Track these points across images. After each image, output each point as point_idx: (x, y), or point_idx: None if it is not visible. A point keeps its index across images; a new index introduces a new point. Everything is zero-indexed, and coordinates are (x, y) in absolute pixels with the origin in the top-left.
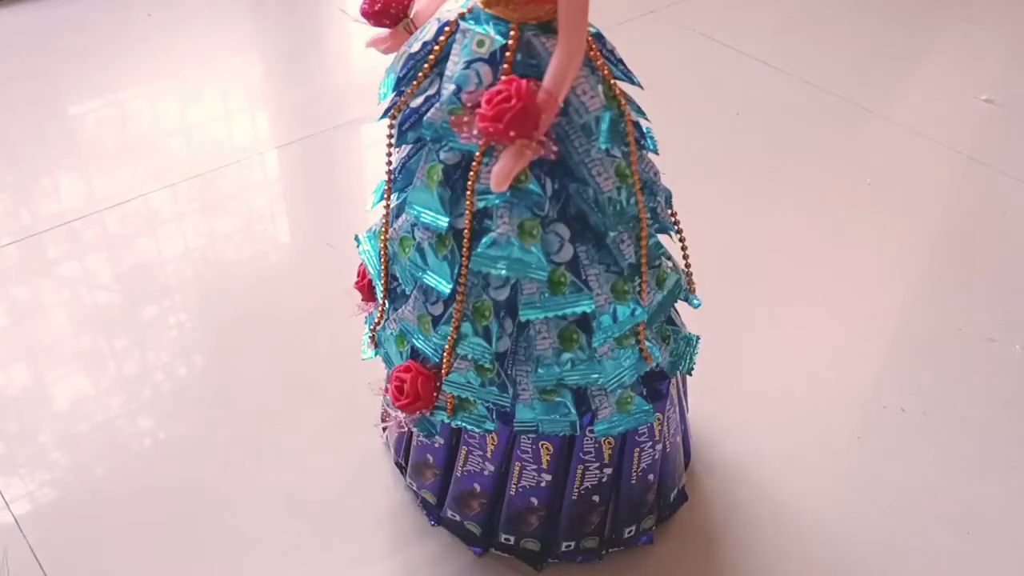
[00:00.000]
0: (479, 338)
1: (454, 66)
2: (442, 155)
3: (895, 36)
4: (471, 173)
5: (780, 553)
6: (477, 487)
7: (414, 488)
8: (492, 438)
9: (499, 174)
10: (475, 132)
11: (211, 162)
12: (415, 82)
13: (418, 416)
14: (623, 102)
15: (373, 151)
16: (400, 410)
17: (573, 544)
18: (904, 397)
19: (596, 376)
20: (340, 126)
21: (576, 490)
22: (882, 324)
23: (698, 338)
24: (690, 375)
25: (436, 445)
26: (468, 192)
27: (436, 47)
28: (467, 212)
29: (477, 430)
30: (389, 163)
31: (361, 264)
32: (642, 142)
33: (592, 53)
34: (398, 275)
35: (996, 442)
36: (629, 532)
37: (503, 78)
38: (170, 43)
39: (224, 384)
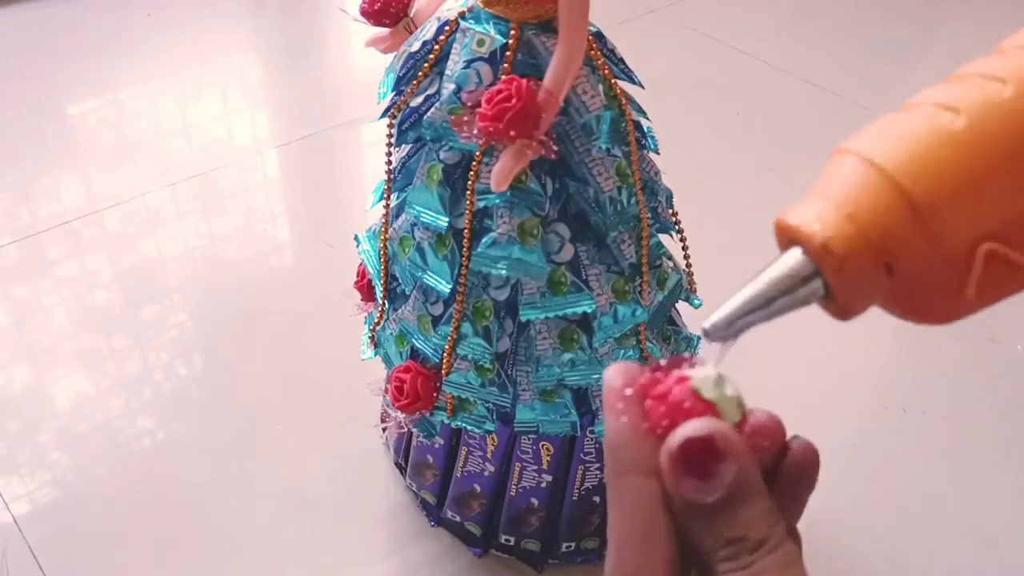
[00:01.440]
0: (479, 338)
1: (454, 65)
2: (442, 155)
3: (895, 36)
4: (471, 173)
5: None
6: (477, 488)
7: (414, 488)
8: (492, 439)
9: (499, 174)
10: (475, 132)
11: (211, 162)
12: (415, 81)
13: (418, 416)
14: (624, 102)
15: (373, 151)
16: (400, 410)
17: (573, 545)
18: (904, 397)
19: (597, 376)
20: (340, 126)
21: (577, 490)
22: (882, 324)
23: (699, 338)
24: None
25: (436, 446)
26: (468, 192)
27: (436, 46)
28: (467, 212)
29: (477, 431)
30: (389, 163)
31: (361, 264)
32: (643, 142)
33: (592, 52)
34: (398, 275)
35: (996, 442)
36: None
37: (503, 77)
38: (170, 43)
39: (224, 384)
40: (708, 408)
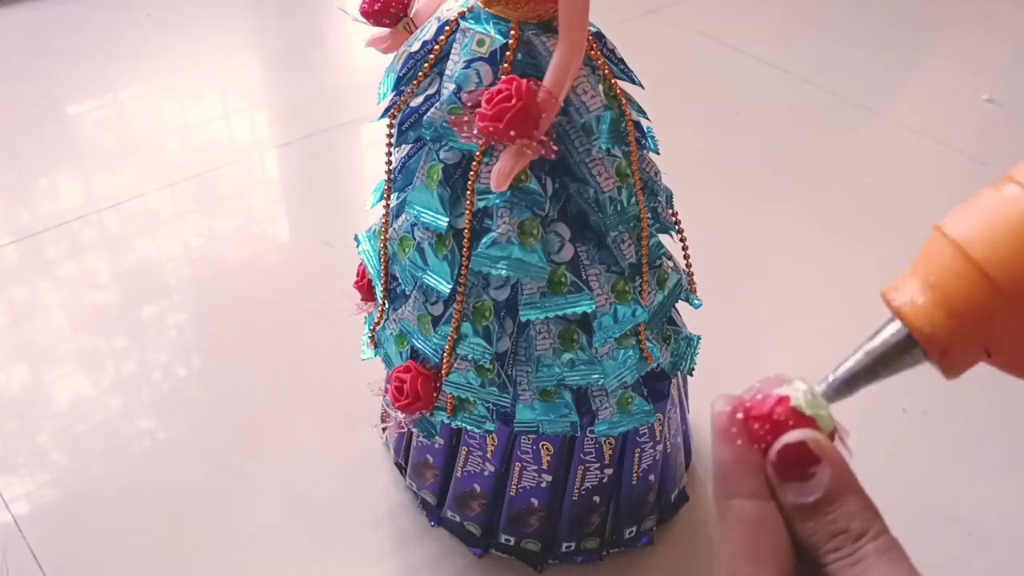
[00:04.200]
0: (479, 338)
1: (454, 65)
2: (442, 155)
3: (896, 35)
4: (471, 173)
5: None
6: (477, 487)
7: (414, 489)
8: (492, 439)
9: (499, 174)
10: (475, 132)
11: (210, 162)
12: (415, 81)
13: (418, 416)
14: (624, 101)
15: (373, 151)
16: (400, 410)
17: (573, 545)
18: (905, 397)
19: (597, 376)
20: (340, 126)
21: (576, 491)
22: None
23: (699, 338)
24: (691, 375)
25: (436, 446)
26: (468, 192)
27: (436, 46)
28: (467, 212)
29: (477, 431)
30: (389, 163)
31: (360, 264)
32: (643, 142)
33: (592, 52)
34: (398, 275)
35: (996, 442)
36: (630, 533)
37: (503, 77)
38: (170, 43)
39: (223, 384)
40: (807, 422)
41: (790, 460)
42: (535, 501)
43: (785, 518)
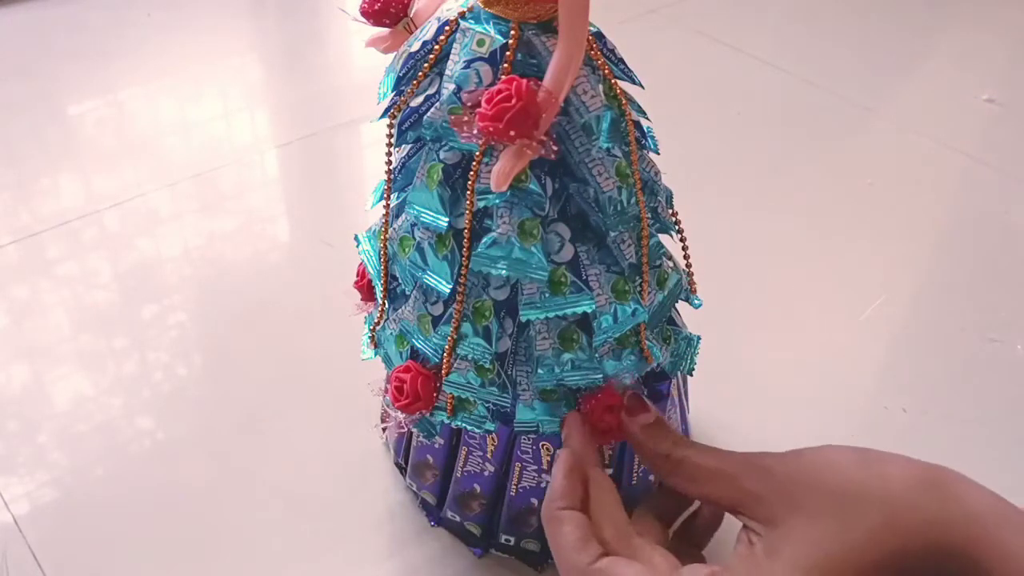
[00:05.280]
0: (479, 338)
1: (454, 65)
2: (442, 155)
3: (896, 35)
4: (471, 173)
5: None
6: (477, 488)
7: (414, 489)
8: (492, 439)
9: (499, 174)
10: (475, 132)
11: (210, 161)
12: (415, 81)
13: (418, 416)
14: (624, 101)
15: (373, 151)
16: (400, 410)
17: None
18: (905, 397)
19: (597, 377)
20: (340, 126)
21: None
22: (883, 324)
23: (699, 338)
24: (691, 375)
25: (436, 446)
26: (468, 192)
27: (436, 46)
28: (467, 212)
29: (477, 431)
30: (389, 163)
31: (361, 264)
32: (643, 142)
33: (592, 52)
34: (398, 275)
35: (997, 443)
36: None
37: (503, 77)
38: (170, 43)
39: (224, 384)
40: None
41: (634, 403)
42: (535, 501)
43: (637, 441)
